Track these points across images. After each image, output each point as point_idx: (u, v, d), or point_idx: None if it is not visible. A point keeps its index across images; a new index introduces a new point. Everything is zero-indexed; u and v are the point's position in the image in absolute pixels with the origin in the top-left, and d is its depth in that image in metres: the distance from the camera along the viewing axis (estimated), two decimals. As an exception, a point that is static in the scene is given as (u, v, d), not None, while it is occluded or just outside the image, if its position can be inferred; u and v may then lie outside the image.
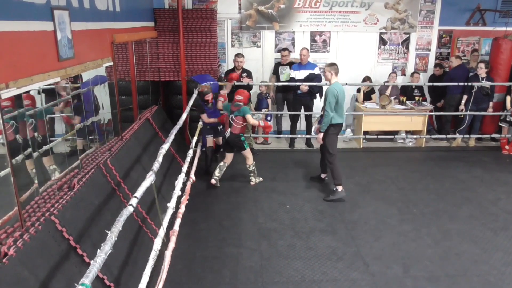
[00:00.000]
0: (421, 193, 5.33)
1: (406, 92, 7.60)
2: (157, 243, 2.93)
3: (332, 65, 5.15)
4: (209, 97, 5.65)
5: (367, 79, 7.40)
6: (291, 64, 7.03)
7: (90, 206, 3.18)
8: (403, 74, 7.90)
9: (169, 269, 2.92)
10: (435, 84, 7.19)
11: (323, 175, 5.62)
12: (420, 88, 7.61)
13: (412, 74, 7.54)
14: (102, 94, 4.43)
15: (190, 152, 4.38)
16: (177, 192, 3.34)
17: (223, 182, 5.49)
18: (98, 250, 1.78)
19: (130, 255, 3.36)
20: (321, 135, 5.07)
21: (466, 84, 6.87)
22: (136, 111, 5.65)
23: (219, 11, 7.16)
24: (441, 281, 3.55)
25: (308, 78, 6.71)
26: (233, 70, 6.69)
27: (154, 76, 6.63)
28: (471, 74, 7.10)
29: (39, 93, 3.04)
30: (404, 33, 7.67)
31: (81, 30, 3.53)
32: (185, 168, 3.87)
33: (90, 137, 4.08)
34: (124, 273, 3.15)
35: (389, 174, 5.94)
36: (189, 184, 4.30)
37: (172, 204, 3.23)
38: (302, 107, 7.00)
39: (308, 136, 7.22)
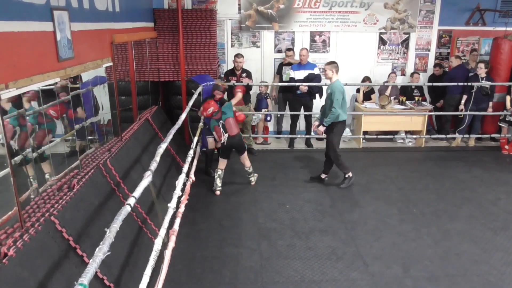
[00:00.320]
0: (421, 193, 5.33)
1: (406, 92, 7.60)
2: (158, 243, 2.93)
3: (332, 63, 5.22)
4: (220, 95, 5.65)
5: (366, 79, 7.41)
6: (289, 64, 7.04)
7: (90, 207, 3.18)
8: (403, 74, 7.90)
9: (169, 269, 2.92)
10: (434, 84, 7.19)
11: (323, 175, 5.62)
12: (419, 88, 7.61)
13: (412, 74, 7.54)
14: (101, 94, 4.43)
15: (191, 152, 4.38)
16: (177, 192, 3.33)
17: (223, 182, 5.48)
18: (96, 250, 1.78)
19: (130, 255, 3.36)
20: (323, 128, 5.24)
21: (466, 84, 6.87)
22: (136, 112, 5.65)
23: (219, 11, 7.16)
24: (441, 281, 3.55)
25: (307, 78, 6.71)
26: (232, 70, 6.70)
27: (154, 76, 6.63)
28: (471, 74, 7.10)
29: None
30: (404, 33, 7.67)
31: (81, 30, 3.53)
32: (185, 168, 3.87)
33: (89, 137, 4.08)
34: (124, 274, 3.14)
35: (388, 174, 5.94)
36: (189, 184, 4.30)
37: (172, 204, 3.23)
38: (302, 107, 7.00)
39: (308, 136, 7.23)
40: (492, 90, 6.97)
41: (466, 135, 7.25)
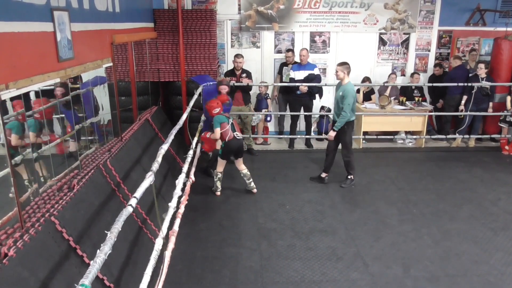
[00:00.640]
0: (421, 193, 5.33)
1: (406, 93, 7.60)
2: (158, 243, 2.93)
3: (344, 64, 5.17)
4: (225, 89, 5.64)
5: (366, 79, 7.41)
6: (287, 65, 7.05)
7: (90, 207, 3.18)
8: (403, 74, 7.90)
9: (169, 269, 2.92)
10: (435, 84, 7.19)
11: (323, 174, 5.63)
12: (419, 89, 7.61)
13: (412, 74, 7.54)
14: (101, 94, 4.43)
15: (191, 152, 4.38)
16: (178, 192, 3.34)
17: (223, 182, 5.48)
18: (98, 251, 1.78)
19: (130, 256, 3.36)
20: (333, 133, 5.28)
21: (466, 84, 6.87)
22: (136, 112, 5.66)
23: (219, 11, 7.16)
24: (441, 281, 3.56)
25: (307, 79, 6.71)
26: (232, 70, 6.70)
27: (154, 76, 6.63)
28: (471, 74, 7.10)
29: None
30: (404, 33, 7.67)
31: (81, 30, 3.54)
32: (185, 168, 3.87)
33: (88, 138, 4.08)
34: (124, 274, 3.15)
35: (389, 175, 5.94)
36: (188, 184, 4.30)
37: (173, 204, 3.23)
38: (302, 107, 7.00)
39: (307, 136, 7.23)
40: (493, 90, 6.97)
41: (466, 136, 7.25)
